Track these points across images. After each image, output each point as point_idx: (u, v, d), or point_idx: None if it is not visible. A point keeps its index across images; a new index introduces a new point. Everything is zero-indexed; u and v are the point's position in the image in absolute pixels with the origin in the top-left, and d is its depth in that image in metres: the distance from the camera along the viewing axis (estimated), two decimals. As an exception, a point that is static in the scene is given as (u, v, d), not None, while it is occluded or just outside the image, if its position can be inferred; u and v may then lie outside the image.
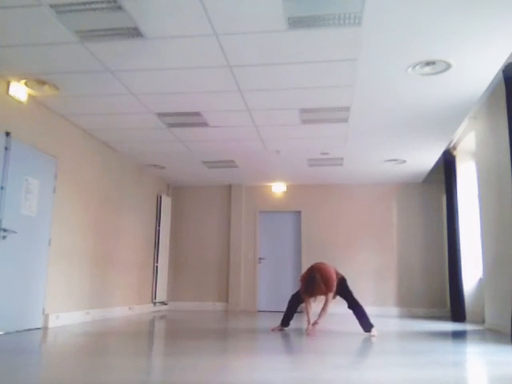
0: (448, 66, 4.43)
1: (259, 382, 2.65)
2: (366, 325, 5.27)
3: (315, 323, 5.29)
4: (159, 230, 9.17)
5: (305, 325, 6.40)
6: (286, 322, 5.64)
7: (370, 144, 6.90)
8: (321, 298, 5.38)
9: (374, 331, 5.19)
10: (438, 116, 5.71)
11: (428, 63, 4.38)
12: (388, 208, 9.33)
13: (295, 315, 5.78)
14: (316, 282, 5.09)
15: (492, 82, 5.23)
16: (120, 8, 3.54)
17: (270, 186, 9.79)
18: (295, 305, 5.64)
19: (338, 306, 5.55)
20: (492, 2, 3.41)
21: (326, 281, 5.13)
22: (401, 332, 5.75)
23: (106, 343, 4.37)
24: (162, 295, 9.20)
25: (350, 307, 5.41)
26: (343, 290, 5.42)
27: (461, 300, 7.29)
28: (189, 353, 3.72)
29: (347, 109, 5.53)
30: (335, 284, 5.21)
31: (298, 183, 9.61)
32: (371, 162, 7.88)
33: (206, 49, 4.16)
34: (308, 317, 5.36)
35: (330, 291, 5.18)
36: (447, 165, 7.86)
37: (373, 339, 4.83)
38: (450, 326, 6.49)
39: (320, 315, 5.33)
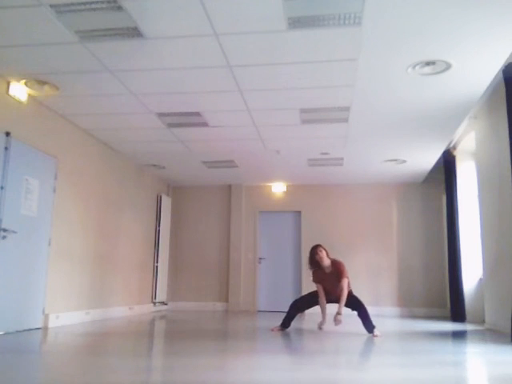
0: (448, 66, 4.42)
1: (259, 382, 2.65)
2: (369, 326, 5.28)
3: (338, 314, 5.33)
4: (159, 230, 9.17)
5: (304, 324, 6.40)
6: (286, 324, 5.62)
7: (370, 144, 6.90)
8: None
9: (376, 332, 5.18)
10: (438, 116, 5.71)
11: (428, 63, 4.38)
12: (388, 208, 9.33)
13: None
14: (318, 248, 5.47)
15: (492, 82, 5.22)
16: (120, 8, 3.53)
17: (270, 186, 9.78)
18: (297, 310, 5.71)
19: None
20: (492, 1, 3.41)
21: (337, 263, 5.44)
22: (401, 332, 5.76)
23: (106, 343, 4.37)
24: (162, 295, 9.19)
25: (353, 309, 5.42)
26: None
27: (461, 300, 7.28)
28: (189, 353, 3.72)
29: (347, 109, 5.53)
30: (345, 270, 5.42)
31: (298, 183, 9.60)
32: (371, 162, 7.88)
33: (206, 49, 4.15)
34: (323, 313, 5.57)
35: (343, 277, 5.35)
36: (447, 165, 7.85)
37: (375, 339, 4.83)
38: (450, 326, 6.49)
39: (340, 306, 5.36)
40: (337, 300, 5.43)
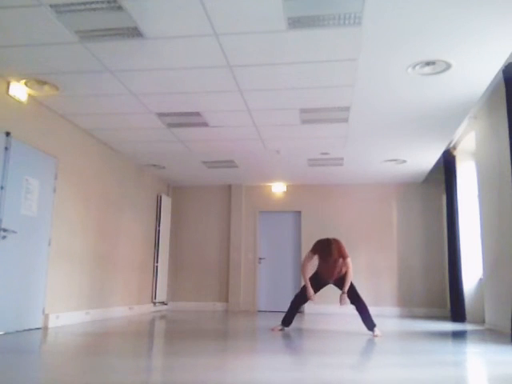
0: (448, 66, 4.43)
1: (259, 382, 2.65)
2: (369, 322, 5.27)
3: (343, 293, 5.34)
4: (159, 230, 9.17)
5: (304, 324, 6.40)
6: (287, 321, 5.62)
7: (370, 144, 6.90)
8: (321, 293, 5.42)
9: (376, 331, 5.18)
10: (438, 116, 5.71)
11: (428, 63, 4.38)
12: (388, 208, 9.33)
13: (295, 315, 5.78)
14: (331, 241, 5.31)
15: (492, 82, 5.23)
16: (120, 8, 3.54)
17: (270, 186, 9.79)
18: (299, 304, 5.66)
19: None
20: (492, 1, 3.41)
21: (340, 247, 5.32)
22: (401, 332, 5.75)
23: (106, 343, 4.37)
24: (162, 295, 9.19)
25: (352, 302, 5.41)
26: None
27: (461, 300, 7.28)
28: (188, 353, 3.72)
29: (347, 109, 5.53)
30: (346, 250, 5.37)
31: (298, 183, 9.61)
32: (371, 162, 7.88)
33: (206, 49, 4.16)
34: (309, 290, 5.44)
35: (346, 257, 5.31)
36: (447, 165, 7.86)
37: (375, 339, 4.83)
38: (449, 326, 6.49)
39: (344, 285, 5.34)
40: (334, 283, 5.47)
